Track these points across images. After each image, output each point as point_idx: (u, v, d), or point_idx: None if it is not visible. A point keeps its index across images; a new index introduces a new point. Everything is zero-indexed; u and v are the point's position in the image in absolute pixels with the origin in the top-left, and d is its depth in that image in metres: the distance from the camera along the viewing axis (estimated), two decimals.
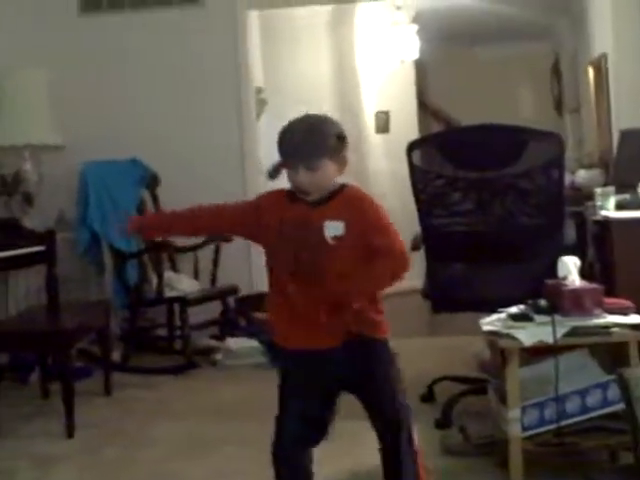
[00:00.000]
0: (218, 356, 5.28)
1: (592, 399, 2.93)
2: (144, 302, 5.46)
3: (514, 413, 2.89)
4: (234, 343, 5.33)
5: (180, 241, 5.31)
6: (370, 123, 8.58)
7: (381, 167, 8.09)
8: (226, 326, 5.64)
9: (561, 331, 2.88)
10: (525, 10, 8.45)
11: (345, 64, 8.35)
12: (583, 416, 2.93)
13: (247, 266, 5.86)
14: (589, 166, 6.53)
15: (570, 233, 4.24)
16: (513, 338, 2.89)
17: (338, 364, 2.36)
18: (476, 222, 3.75)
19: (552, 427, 2.92)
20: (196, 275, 5.64)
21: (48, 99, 5.56)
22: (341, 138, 2.36)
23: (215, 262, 5.60)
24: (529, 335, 2.89)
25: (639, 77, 5.82)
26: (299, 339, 2.38)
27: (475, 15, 8.63)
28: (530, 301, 3.04)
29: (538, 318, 2.94)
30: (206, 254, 5.54)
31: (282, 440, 2.39)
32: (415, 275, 2.92)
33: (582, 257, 3.29)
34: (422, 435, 2.53)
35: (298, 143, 2.32)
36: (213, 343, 5.49)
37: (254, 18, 6.72)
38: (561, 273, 3.02)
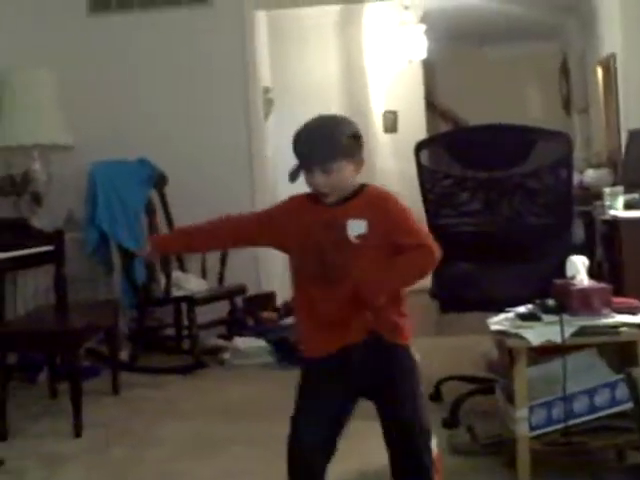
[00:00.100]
0: (226, 356, 5.28)
1: (600, 398, 2.92)
2: (152, 302, 5.47)
3: (522, 413, 2.88)
4: (242, 343, 5.33)
5: None
6: (378, 123, 8.59)
7: (389, 167, 8.09)
8: (234, 326, 5.64)
9: (569, 331, 2.87)
10: (533, 10, 8.44)
11: (353, 64, 8.36)
12: (591, 415, 2.92)
13: (255, 266, 5.87)
14: (597, 166, 6.53)
15: (578, 233, 4.24)
16: (521, 338, 2.88)
17: (358, 364, 2.32)
18: (484, 222, 3.74)
19: (560, 427, 2.91)
20: (204, 275, 5.65)
21: (57, 99, 5.57)
22: (356, 138, 2.34)
23: (223, 262, 5.60)
24: (537, 335, 2.88)
25: None
26: (321, 343, 2.34)
27: (483, 15, 8.63)
28: (538, 301, 3.03)
29: (546, 318, 2.93)
30: (214, 254, 5.54)
31: (298, 441, 2.35)
32: None
33: (590, 257, 3.28)
34: None
35: (312, 146, 2.30)
36: (221, 343, 5.50)
37: (262, 18, 6.73)
38: (569, 273, 3.01)
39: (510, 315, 3.05)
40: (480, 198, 3.69)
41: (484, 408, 3.62)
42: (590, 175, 6.08)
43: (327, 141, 2.29)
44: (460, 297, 3.82)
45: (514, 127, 3.81)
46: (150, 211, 5.78)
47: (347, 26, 8.20)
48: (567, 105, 10.04)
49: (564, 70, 9.93)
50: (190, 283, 5.46)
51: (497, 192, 3.66)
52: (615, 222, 4.08)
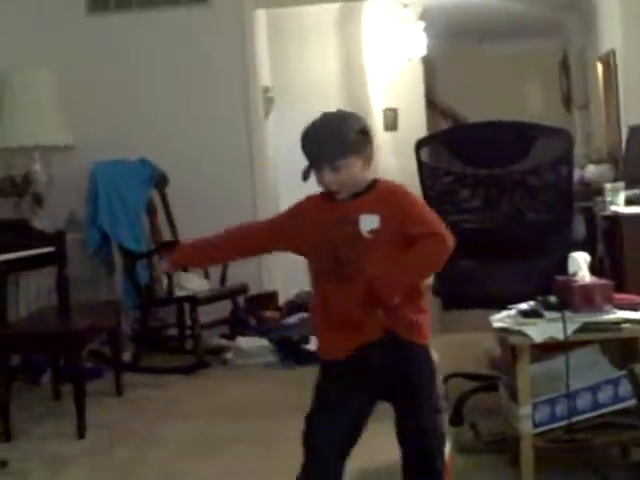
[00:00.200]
0: (229, 355, 5.28)
1: (603, 395, 2.92)
2: (154, 302, 5.46)
3: (525, 410, 2.88)
4: (244, 342, 5.33)
5: None
6: (378, 121, 8.59)
7: (389, 164, 8.08)
8: (236, 325, 5.64)
9: (571, 327, 2.87)
10: (533, 6, 8.44)
11: (353, 62, 8.36)
12: (594, 412, 2.91)
13: (257, 265, 5.86)
14: (598, 161, 6.52)
15: (579, 229, 4.23)
16: (524, 335, 2.88)
17: (374, 363, 2.30)
18: (485, 219, 3.74)
19: (563, 424, 2.90)
20: (206, 274, 5.64)
21: (57, 99, 5.57)
22: (365, 133, 2.33)
23: None
24: (539, 332, 2.88)
25: None
26: (337, 343, 2.32)
27: (482, 12, 8.63)
28: (540, 297, 3.03)
29: (548, 314, 2.93)
30: None
31: (312, 438, 2.32)
32: None
33: (592, 253, 3.27)
34: None
35: (320, 143, 2.29)
36: (224, 342, 5.50)
37: (261, 17, 6.72)
38: (571, 269, 3.00)
39: (512, 312, 3.04)
40: (481, 195, 3.69)
41: (487, 405, 3.62)
42: (591, 171, 6.07)
43: (335, 138, 2.29)
44: (462, 294, 3.82)
45: (514, 124, 3.81)
46: (151, 211, 5.79)
47: (347, 24, 8.20)
48: (567, 101, 10.03)
49: (564, 66, 9.93)
50: (192, 283, 5.45)
51: (497, 189, 3.66)
52: (616, 218, 4.08)
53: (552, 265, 3.27)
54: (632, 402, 2.90)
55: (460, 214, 3.77)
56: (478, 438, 3.34)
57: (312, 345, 5.05)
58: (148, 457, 3.61)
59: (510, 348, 2.97)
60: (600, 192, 4.53)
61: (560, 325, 2.86)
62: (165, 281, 5.35)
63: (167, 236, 5.77)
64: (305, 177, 2.30)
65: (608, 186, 4.38)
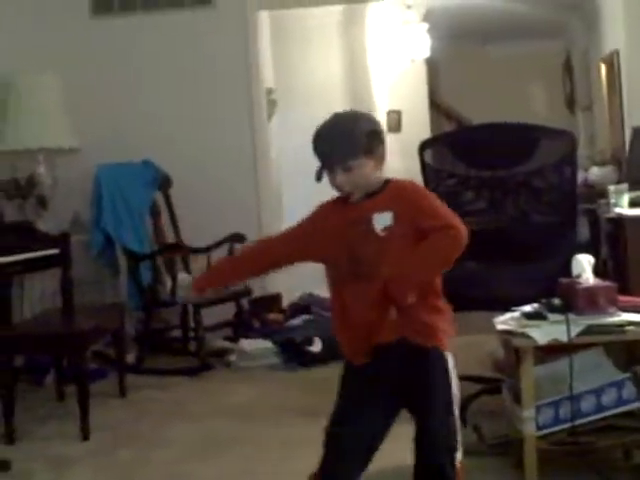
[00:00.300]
0: (232, 357, 5.28)
1: (607, 398, 2.91)
2: (158, 304, 5.46)
3: (529, 412, 2.88)
4: (248, 344, 5.33)
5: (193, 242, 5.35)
6: (382, 122, 8.57)
7: (393, 166, 8.01)
8: (240, 327, 5.64)
9: (575, 330, 2.86)
10: (537, 8, 8.44)
11: (356, 64, 8.36)
12: (598, 415, 2.91)
13: None
14: (602, 163, 6.52)
15: (583, 231, 4.24)
16: (527, 337, 2.88)
17: (390, 366, 2.29)
18: (489, 221, 3.73)
19: (567, 426, 2.90)
20: None
21: (62, 102, 5.57)
22: (376, 133, 2.33)
23: None
24: (543, 334, 2.88)
25: None
26: (355, 346, 2.32)
27: (486, 13, 8.63)
28: (544, 300, 3.02)
29: (552, 317, 2.92)
30: (219, 255, 5.54)
31: (335, 438, 2.30)
32: None
33: (595, 255, 3.27)
34: None
35: (332, 145, 2.29)
36: (227, 344, 5.50)
37: (265, 18, 6.73)
38: (575, 271, 3.00)
39: (516, 314, 3.04)
40: (484, 197, 3.69)
41: (491, 408, 3.61)
42: (595, 173, 6.07)
43: (347, 138, 2.28)
44: (466, 296, 3.79)
45: (518, 126, 3.81)
46: (155, 213, 5.79)
47: (350, 26, 8.20)
48: (571, 103, 10.03)
49: (567, 68, 9.92)
50: None
51: (501, 191, 3.66)
52: (620, 220, 4.08)
53: (556, 267, 3.26)
54: (636, 405, 2.90)
55: (464, 216, 3.73)
56: (482, 441, 3.33)
57: (315, 347, 5.06)
58: (152, 458, 3.61)
59: (514, 350, 2.97)
60: (604, 194, 4.53)
61: (564, 327, 2.86)
62: (169, 283, 5.35)
63: (171, 238, 5.77)
64: (318, 178, 2.30)
65: (612, 188, 4.37)
